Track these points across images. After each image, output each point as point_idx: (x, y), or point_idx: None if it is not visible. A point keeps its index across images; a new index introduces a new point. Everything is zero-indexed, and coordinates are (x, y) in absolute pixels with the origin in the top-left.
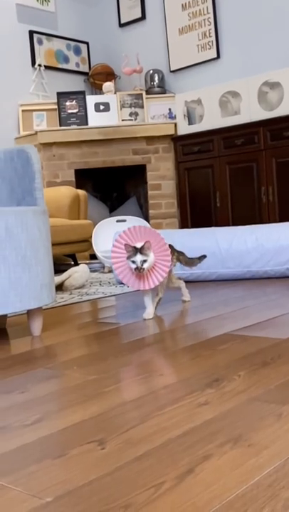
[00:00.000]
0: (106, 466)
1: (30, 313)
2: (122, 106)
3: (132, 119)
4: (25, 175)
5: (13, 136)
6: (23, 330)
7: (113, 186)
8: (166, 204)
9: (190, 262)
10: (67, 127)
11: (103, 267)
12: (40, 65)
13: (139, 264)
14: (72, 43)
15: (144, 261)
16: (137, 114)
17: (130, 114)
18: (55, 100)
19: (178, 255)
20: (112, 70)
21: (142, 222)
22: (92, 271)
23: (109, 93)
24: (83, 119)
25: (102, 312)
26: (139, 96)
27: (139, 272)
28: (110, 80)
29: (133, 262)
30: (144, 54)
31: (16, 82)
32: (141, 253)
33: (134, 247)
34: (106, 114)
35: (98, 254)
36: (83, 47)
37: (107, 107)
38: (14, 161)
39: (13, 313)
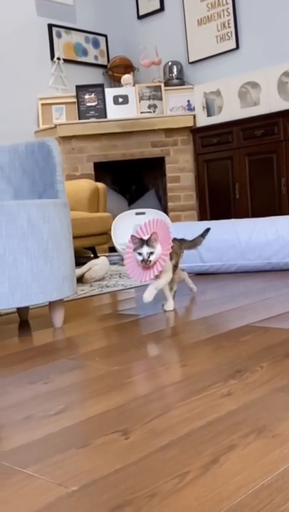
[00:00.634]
0: (130, 455)
1: (52, 305)
2: (141, 98)
3: (150, 112)
4: (46, 168)
5: (32, 130)
6: (44, 322)
7: (132, 179)
8: (185, 196)
9: (193, 243)
10: (86, 120)
11: (122, 260)
12: (59, 59)
13: (146, 256)
14: (91, 36)
15: (151, 253)
16: (155, 106)
17: (149, 107)
18: (74, 93)
19: (180, 245)
20: (130, 62)
21: (161, 214)
22: (112, 263)
23: (127, 86)
24: (102, 112)
25: (122, 304)
26: (158, 88)
27: (145, 263)
28: (129, 73)
29: (140, 253)
30: (163, 46)
31: (35, 76)
32: (148, 245)
33: (141, 239)
34: (125, 106)
35: (117, 246)
36: (102, 40)
37: (125, 99)
38: (35, 154)
39: (35, 305)
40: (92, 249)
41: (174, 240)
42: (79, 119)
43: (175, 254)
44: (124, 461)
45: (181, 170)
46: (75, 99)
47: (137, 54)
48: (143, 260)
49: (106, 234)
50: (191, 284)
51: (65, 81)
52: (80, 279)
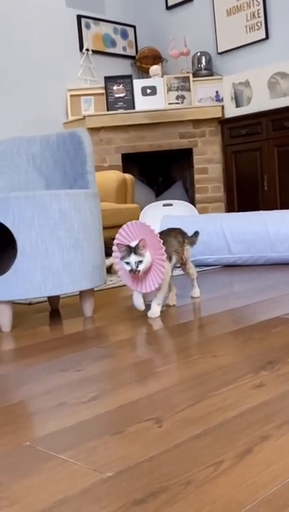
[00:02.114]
0: (164, 443)
1: (82, 294)
2: (169, 89)
3: (178, 103)
4: (77, 158)
5: (61, 121)
6: (75, 311)
7: (159, 170)
8: (212, 188)
9: (192, 240)
10: (114, 112)
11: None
12: (87, 50)
13: (134, 266)
14: (120, 27)
15: (140, 262)
16: (183, 97)
17: (177, 98)
18: (103, 85)
19: (189, 239)
20: (158, 53)
21: (189, 206)
22: None
23: (156, 76)
24: (130, 103)
25: (150, 295)
26: (186, 79)
27: (134, 273)
28: (157, 64)
29: (127, 263)
30: (192, 36)
31: (64, 67)
32: (135, 253)
33: (128, 246)
34: (153, 97)
35: None
36: (130, 30)
37: (153, 90)
38: (66, 144)
39: (65, 294)
40: None
41: (172, 235)
42: (107, 110)
43: (175, 253)
44: (157, 449)
45: (208, 161)
46: (103, 91)
47: (165, 45)
48: (131, 270)
49: None
50: (174, 295)
51: (93, 72)
52: (109, 270)
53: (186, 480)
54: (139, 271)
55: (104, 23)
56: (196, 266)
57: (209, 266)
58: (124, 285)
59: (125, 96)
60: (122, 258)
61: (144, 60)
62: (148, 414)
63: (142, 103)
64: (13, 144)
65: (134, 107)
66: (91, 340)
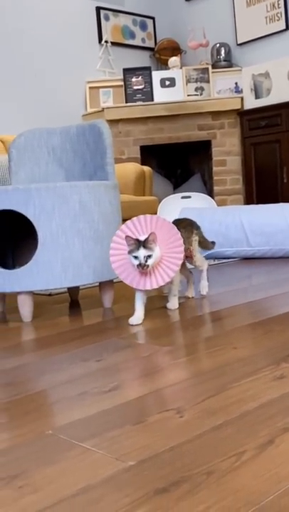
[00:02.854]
0: (186, 433)
1: (102, 285)
2: (188, 81)
3: (197, 94)
4: (96, 150)
5: (80, 114)
6: (94, 302)
7: (177, 163)
8: (231, 180)
9: (204, 243)
10: (133, 104)
11: None
12: (106, 42)
13: (142, 260)
14: (139, 19)
15: (149, 256)
16: (202, 88)
17: (196, 89)
18: (122, 77)
19: (198, 232)
20: (177, 44)
21: (207, 198)
22: None
23: (174, 68)
24: (149, 95)
25: (166, 287)
26: (205, 70)
27: (142, 269)
28: (176, 55)
29: (135, 257)
30: (211, 28)
31: (83, 59)
32: (144, 247)
33: (137, 240)
34: (171, 89)
35: None
36: (149, 22)
37: (172, 82)
38: (86, 136)
39: (85, 285)
40: None
41: (181, 224)
42: (126, 102)
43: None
44: (179, 439)
45: (227, 153)
46: (122, 83)
47: (184, 36)
48: (140, 265)
49: None
50: (192, 288)
51: (112, 64)
52: None
53: (208, 470)
54: (148, 266)
55: (123, 15)
56: (215, 258)
57: (228, 258)
58: None
59: (144, 88)
60: (130, 252)
61: (163, 52)
62: (169, 405)
63: (160, 95)
64: (33, 135)
65: (152, 99)
66: (111, 330)
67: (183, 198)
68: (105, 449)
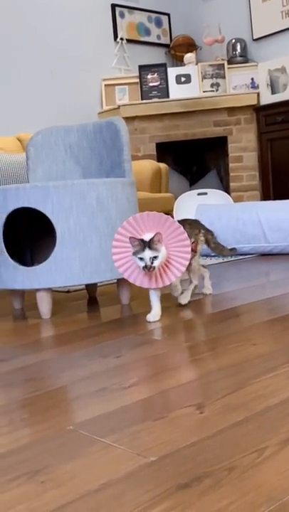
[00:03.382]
0: (207, 429)
1: (119, 282)
2: (204, 77)
3: (213, 90)
4: (113, 147)
5: (96, 111)
6: (112, 299)
7: (193, 159)
8: (247, 176)
9: (219, 247)
10: (148, 100)
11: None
12: (122, 39)
13: (148, 262)
14: (154, 15)
15: (155, 257)
16: (218, 84)
17: (212, 85)
18: (137, 74)
19: (206, 234)
20: (193, 41)
21: (224, 195)
22: None
23: (190, 64)
24: (164, 92)
25: (187, 283)
26: (221, 66)
27: (148, 271)
28: (191, 51)
29: (141, 259)
30: (226, 23)
31: (98, 57)
32: (150, 248)
33: (142, 241)
34: (187, 86)
35: None
36: (164, 19)
37: (188, 78)
38: (103, 133)
39: (103, 282)
40: None
41: (183, 221)
42: (141, 99)
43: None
44: (200, 435)
45: (243, 149)
46: (137, 80)
47: (199, 32)
48: (145, 267)
49: (168, 214)
50: (209, 284)
51: (127, 61)
52: None
53: (230, 466)
54: (154, 267)
55: (138, 12)
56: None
57: (245, 255)
58: None
59: (159, 85)
60: (134, 253)
61: (179, 48)
62: (189, 401)
63: (176, 91)
64: (50, 133)
65: (168, 96)
66: (129, 327)
67: (199, 194)
68: (126, 445)
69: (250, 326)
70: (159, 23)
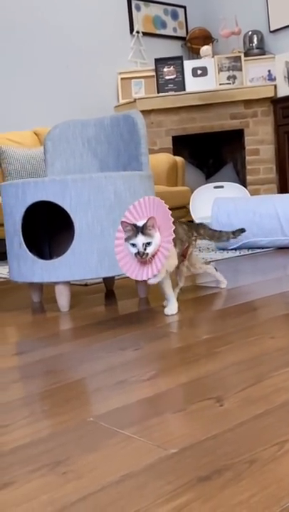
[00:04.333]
0: (226, 422)
1: None
2: (220, 70)
3: (230, 83)
4: (130, 140)
5: (112, 105)
6: (129, 292)
7: (209, 152)
8: (264, 169)
9: (216, 235)
10: (165, 94)
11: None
12: (138, 32)
13: (141, 248)
14: (170, 8)
15: (148, 243)
16: (235, 77)
17: (228, 78)
18: (153, 67)
19: (198, 229)
20: (209, 33)
21: (240, 188)
22: None
23: (206, 57)
24: (181, 85)
25: (203, 277)
26: (238, 58)
27: (141, 257)
28: (208, 44)
29: (133, 244)
30: (243, 15)
31: (114, 51)
32: (143, 233)
33: (134, 226)
34: (203, 78)
35: (196, 220)
36: (180, 11)
37: (204, 71)
38: (120, 126)
39: (120, 275)
40: None
41: (180, 222)
42: (158, 92)
43: (179, 241)
44: (220, 428)
45: (260, 142)
46: (153, 73)
47: (216, 25)
48: (138, 253)
49: (184, 208)
50: (221, 277)
51: (144, 54)
52: None
53: (251, 458)
54: (147, 254)
55: (154, 5)
56: (249, 248)
57: (262, 248)
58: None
59: (176, 78)
60: (127, 239)
61: (195, 41)
62: (208, 393)
63: (192, 84)
64: (68, 127)
65: (184, 89)
66: (147, 320)
67: (215, 187)
68: (146, 437)
69: (268, 320)
70: (175, 16)
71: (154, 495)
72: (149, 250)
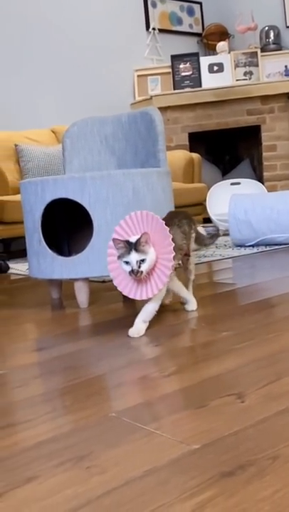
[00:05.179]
0: (248, 418)
1: None
2: (236, 65)
3: (246, 79)
4: (148, 137)
5: (128, 102)
6: None
7: (226, 149)
8: (281, 165)
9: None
10: (181, 90)
11: (217, 230)
12: (154, 29)
13: (135, 266)
14: (186, 4)
15: (142, 261)
16: (251, 73)
17: (245, 74)
18: (169, 64)
19: (194, 227)
20: (225, 29)
21: (257, 184)
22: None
23: (223, 53)
24: (197, 81)
25: (220, 274)
26: (254, 54)
27: (135, 276)
28: (224, 40)
29: (126, 262)
30: (259, 10)
31: (131, 48)
32: (136, 250)
33: (127, 242)
34: (220, 74)
35: (213, 217)
36: (196, 7)
37: (220, 67)
38: (138, 123)
39: None
40: None
41: (178, 225)
42: (174, 89)
43: (178, 250)
44: (241, 424)
45: (277, 138)
46: (170, 70)
47: (232, 20)
48: (132, 271)
49: (201, 205)
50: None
51: (160, 51)
52: None
53: (274, 454)
54: (141, 272)
55: (170, 1)
56: (266, 245)
57: (280, 244)
58: (203, 261)
59: (192, 74)
60: (120, 257)
61: (211, 37)
62: (229, 390)
63: (208, 81)
64: (86, 125)
65: (200, 85)
66: (166, 316)
67: (232, 184)
68: (169, 432)
69: (287, 316)
70: (191, 12)
71: (178, 490)
72: (144, 268)
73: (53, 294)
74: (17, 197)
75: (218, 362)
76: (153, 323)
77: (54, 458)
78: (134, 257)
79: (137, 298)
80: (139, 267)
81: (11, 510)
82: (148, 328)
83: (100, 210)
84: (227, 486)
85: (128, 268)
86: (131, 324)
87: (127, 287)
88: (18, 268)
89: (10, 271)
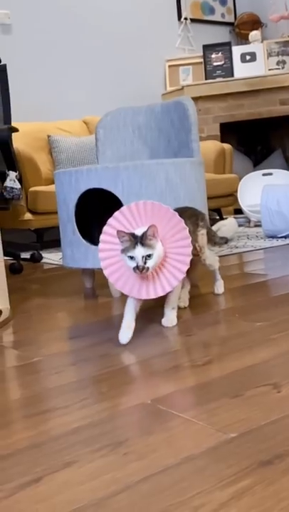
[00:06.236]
0: (285, 408)
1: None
2: (269, 55)
3: (279, 68)
4: (181, 127)
5: (160, 93)
6: None
7: (258, 139)
8: None
9: (211, 238)
10: (212, 80)
11: (248, 222)
12: (186, 19)
13: (141, 262)
14: None
15: (148, 256)
16: (284, 62)
17: (278, 63)
18: (201, 53)
19: (204, 224)
20: (258, 18)
21: None
22: (239, 225)
23: (255, 42)
24: (229, 71)
25: (252, 265)
26: (287, 43)
27: (141, 272)
28: (257, 29)
29: (131, 257)
30: None
31: (162, 38)
32: (142, 244)
33: (132, 235)
34: (252, 64)
35: (244, 208)
36: None
37: (253, 56)
38: (171, 113)
39: None
40: (218, 211)
41: (184, 216)
42: (206, 79)
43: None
44: (279, 413)
45: None
46: (201, 60)
47: (265, 9)
48: (137, 267)
49: (232, 196)
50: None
51: (191, 41)
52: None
53: None
54: (147, 268)
55: None
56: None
57: None
58: (225, 255)
59: (224, 64)
60: (123, 251)
61: (243, 26)
62: (265, 380)
63: (241, 70)
64: (119, 115)
65: (232, 75)
66: (198, 306)
67: (264, 175)
68: (205, 421)
69: None
70: (223, 1)
71: (216, 478)
72: (150, 264)
73: (86, 284)
74: (50, 187)
75: (253, 352)
76: (185, 313)
77: (91, 444)
78: (139, 251)
79: (143, 297)
80: (145, 262)
81: (52, 493)
82: (180, 318)
83: (133, 200)
84: (265, 475)
85: (133, 264)
86: (163, 313)
87: (126, 285)
88: (50, 258)
89: (43, 260)
